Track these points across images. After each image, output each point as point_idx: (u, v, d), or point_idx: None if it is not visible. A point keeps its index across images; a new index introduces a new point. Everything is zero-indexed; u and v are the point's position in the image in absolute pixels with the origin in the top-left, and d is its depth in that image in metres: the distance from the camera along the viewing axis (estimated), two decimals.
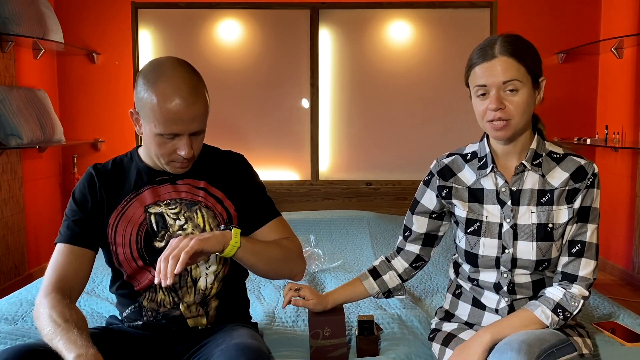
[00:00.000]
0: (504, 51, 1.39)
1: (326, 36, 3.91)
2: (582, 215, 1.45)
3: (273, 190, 3.88)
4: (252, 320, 1.70)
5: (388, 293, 1.68)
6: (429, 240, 1.64)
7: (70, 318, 1.32)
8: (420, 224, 1.63)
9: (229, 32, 3.90)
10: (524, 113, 1.40)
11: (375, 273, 1.66)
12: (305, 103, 3.92)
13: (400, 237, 1.68)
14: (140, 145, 1.60)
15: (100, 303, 2.09)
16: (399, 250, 1.68)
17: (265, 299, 2.18)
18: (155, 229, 1.51)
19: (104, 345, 1.39)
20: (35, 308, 1.38)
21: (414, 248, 1.65)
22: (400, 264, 1.67)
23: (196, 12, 3.87)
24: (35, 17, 3.47)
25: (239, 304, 1.65)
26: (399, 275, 1.66)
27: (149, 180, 1.54)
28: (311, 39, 3.87)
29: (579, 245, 1.44)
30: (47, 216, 3.90)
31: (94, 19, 3.96)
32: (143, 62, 3.88)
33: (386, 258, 1.69)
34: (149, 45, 3.90)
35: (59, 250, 1.47)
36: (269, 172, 3.92)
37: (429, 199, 1.60)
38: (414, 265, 1.66)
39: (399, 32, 3.91)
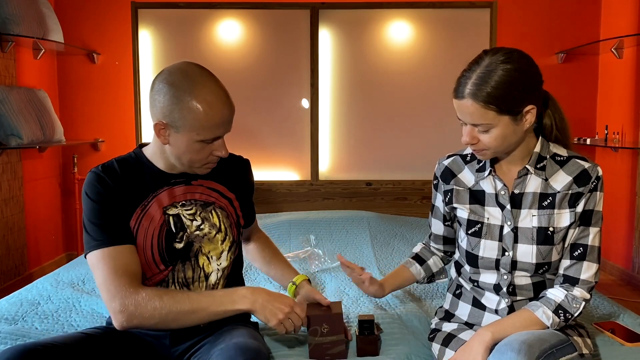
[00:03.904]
0: (471, 94, 1.33)
1: (326, 36, 3.91)
2: (584, 219, 1.44)
3: (273, 190, 3.88)
4: (252, 320, 1.70)
5: (431, 277, 1.77)
6: (449, 240, 1.71)
7: (175, 289, 1.48)
8: (437, 227, 1.69)
9: (229, 32, 3.90)
10: (500, 145, 1.40)
11: (419, 259, 1.76)
12: (305, 103, 3.92)
13: (427, 236, 1.78)
14: (141, 146, 1.59)
15: (100, 303, 2.09)
16: (429, 244, 1.77)
17: None
18: (174, 230, 1.51)
19: (104, 346, 1.40)
20: (135, 309, 1.36)
21: (439, 247, 1.74)
22: (437, 251, 1.76)
23: (196, 12, 3.87)
24: (35, 17, 3.47)
25: None
26: (441, 259, 1.77)
27: (164, 182, 1.53)
28: (311, 39, 3.87)
29: (581, 248, 1.44)
30: (47, 216, 3.90)
31: (94, 19, 3.96)
32: (143, 62, 3.88)
33: (424, 244, 1.78)
34: (149, 45, 3.90)
35: (106, 253, 1.41)
36: (269, 172, 3.92)
37: (440, 203, 1.63)
38: (447, 253, 1.76)
39: (399, 32, 3.91)
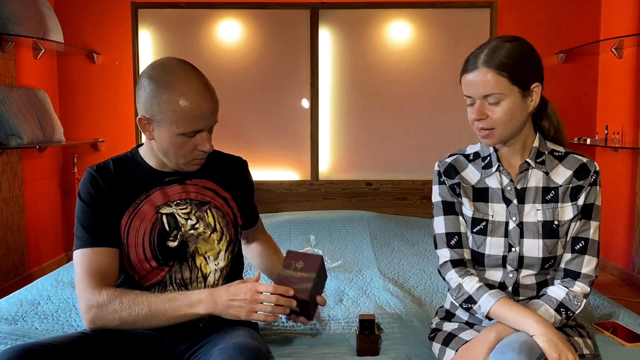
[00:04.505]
0: (485, 62, 1.38)
1: (326, 36, 3.91)
2: (585, 213, 1.46)
3: (273, 190, 3.89)
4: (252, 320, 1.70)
5: None
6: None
7: (139, 292, 1.42)
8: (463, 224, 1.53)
9: (229, 32, 3.90)
10: (508, 122, 1.41)
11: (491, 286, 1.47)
12: (305, 103, 3.92)
13: (447, 250, 1.50)
14: (139, 146, 1.60)
15: None
16: (460, 262, 1.49)
17: None
18: (168, 229, 1.52)
19: (104, 346, 1.40)
20: (99, 309, 1.39)
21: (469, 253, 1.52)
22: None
23: (196, 12, 3.87)
24: (35, 17, 3.46)
25: None
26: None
27: (157, 181, 1.55)
28: (311, 39, 3.86)
29: (582, 242, 1.46)
30: (47, 216, 3.90)
31: (94, 19, 3.96)
32: (143, 62, 3.88)
33: (469, 274, 1.48)
34: (149, 45, 3.90)
35: (86, 254, 1.45)
36: (269, 172, 3.92)
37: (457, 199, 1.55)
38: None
39: (399, 32, 3.91)
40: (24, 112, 3.35)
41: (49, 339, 1.35)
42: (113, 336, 1.46)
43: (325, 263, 2.65)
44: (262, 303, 1.36)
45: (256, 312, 1.36)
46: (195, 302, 1.39)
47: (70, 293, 2.18)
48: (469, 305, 1.45)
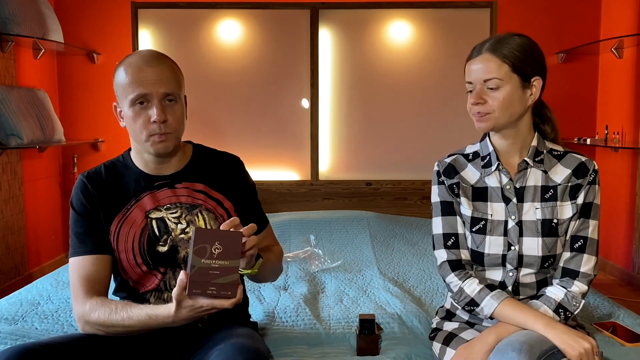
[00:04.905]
0: (488, 49, 1.43)
1: (326, 36, 3.91)
2: (584, 211, 1.47)
3: (273, 190, 3.88)
4: (251, 320, 1.70)
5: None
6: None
7: (121, 303, 1.43)
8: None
9: (229, 32, 3.90)
10: (506, 109, 1.42)
11: (493, 287, 1.47)
12: (305, 103, 3.92)
13: (444, 251, 1.51)
14: (131, 148, 1.60)
15: None
16: (458, 263, 1.49)
17: (265, 299, 2.18)
18: (158, 234, 1.51)
19: (104, 346, 1.40)
20: (84, 319, 1.42)
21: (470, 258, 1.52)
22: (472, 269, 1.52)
23: (196, 12, 3.87)
24: (35, 17, 3.46)
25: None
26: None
27: (147, 186, 1.54)
28: (311, 39, 3.87)
29: (581, 240, 1.46)
30: (47, 216, 3.90)
31: (94, 19, 3.96)
32: None
33: (468, 273, 1.49)
34: (149, 45, 3.89)
35: (78, 262, 1.48)
36: (268, 172, 3.92)
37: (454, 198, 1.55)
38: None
39: (399, 32, 3.91)
40: (24, 112, 3.35)
41: (49, 339, 1.35)
42: (113, 336, 1.46)
43: (325, 263, 2.67)
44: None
45: (210, 310, 1.29)
46: (168, 322, 1.34)
47: (70, 293, 2.18)
48: (472, 308, 1.47)
